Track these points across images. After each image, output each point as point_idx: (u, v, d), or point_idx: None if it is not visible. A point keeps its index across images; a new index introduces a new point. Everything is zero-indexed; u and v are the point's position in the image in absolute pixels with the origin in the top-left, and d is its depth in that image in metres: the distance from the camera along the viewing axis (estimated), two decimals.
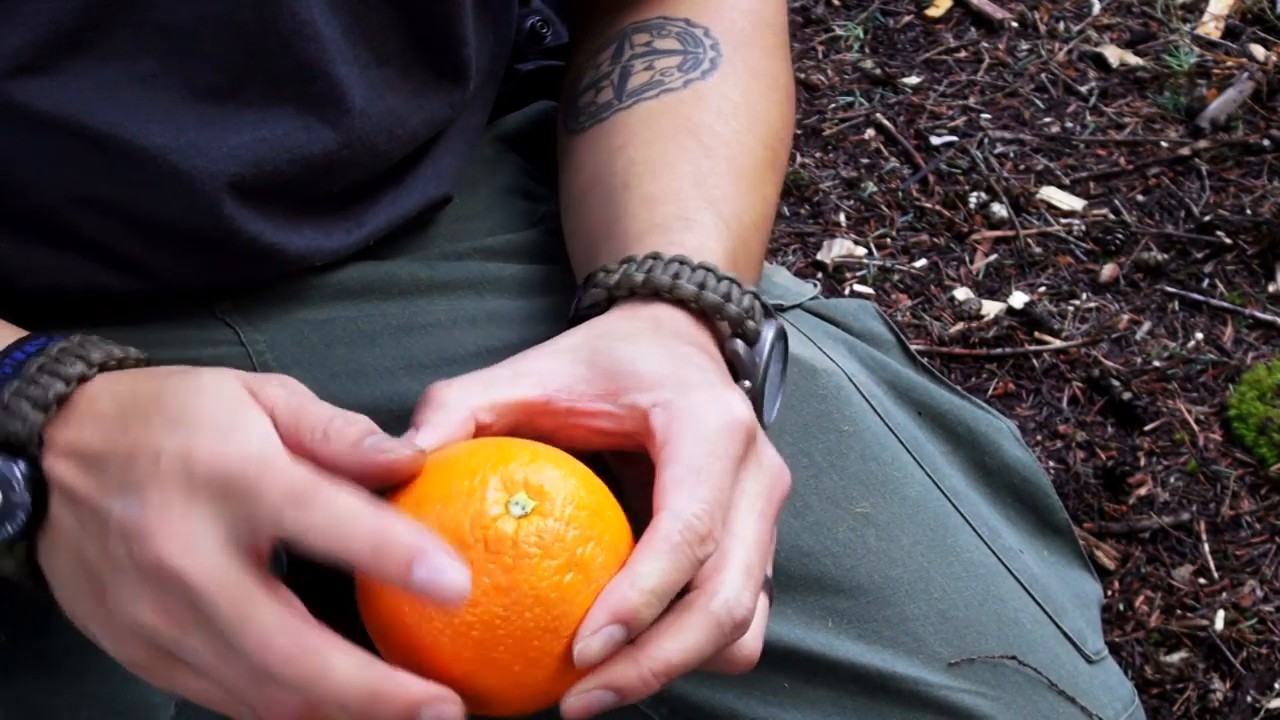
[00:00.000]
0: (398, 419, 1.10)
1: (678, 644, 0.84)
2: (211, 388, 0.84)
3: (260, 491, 0.79)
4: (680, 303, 0.98)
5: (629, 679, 0.83)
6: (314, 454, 0.83)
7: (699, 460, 0.86)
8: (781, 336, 1.01)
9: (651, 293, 0.98)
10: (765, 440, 0.92)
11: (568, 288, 1.16)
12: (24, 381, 0.86)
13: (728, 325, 0.99)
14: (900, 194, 2.41)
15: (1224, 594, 1.91)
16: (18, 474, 0.85)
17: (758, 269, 1.11)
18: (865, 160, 2.48)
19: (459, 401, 0.89)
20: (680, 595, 0.85)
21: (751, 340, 0.99)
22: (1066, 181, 2.41)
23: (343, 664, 0.78)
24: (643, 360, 0.91)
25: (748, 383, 0.98)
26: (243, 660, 0.80)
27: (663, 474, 0.86)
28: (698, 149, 1.10)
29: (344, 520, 0.78)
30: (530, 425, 0.91)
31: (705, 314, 0.99)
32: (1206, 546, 1.95)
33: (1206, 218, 2.32)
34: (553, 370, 0.92)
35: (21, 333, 0.92)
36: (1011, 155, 2.46)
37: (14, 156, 1.01)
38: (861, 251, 2.34)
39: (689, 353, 0.93)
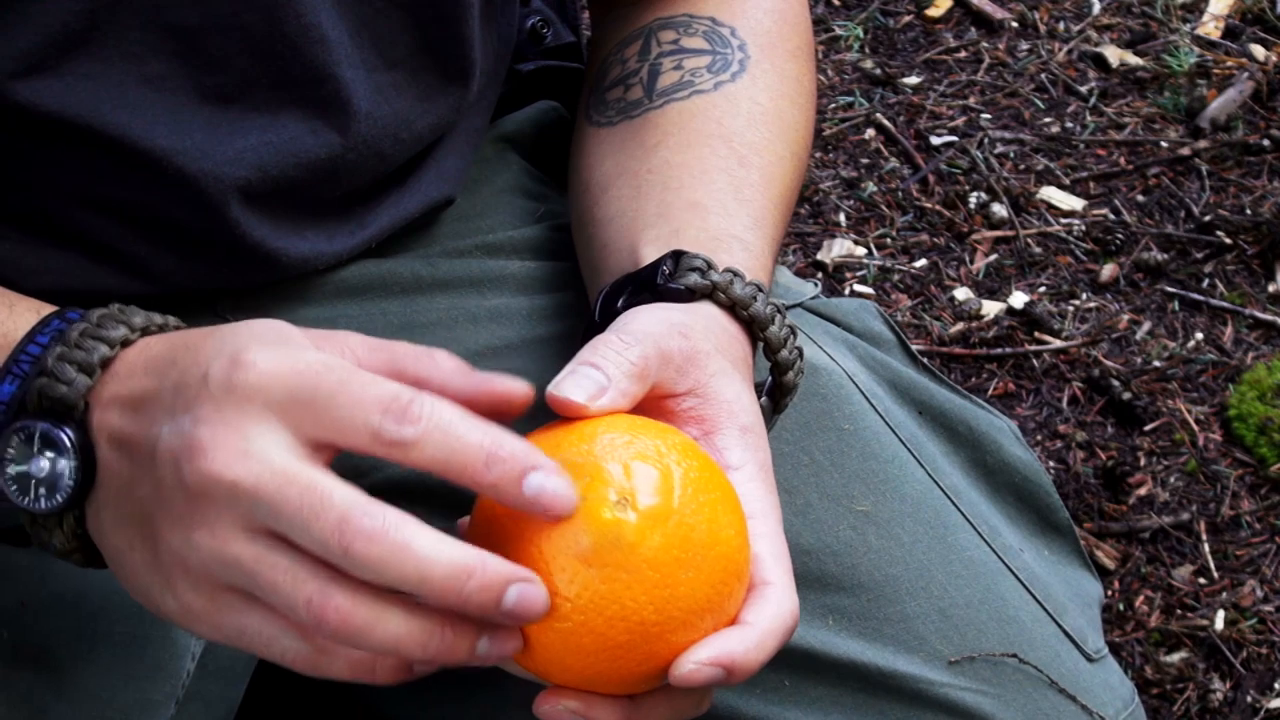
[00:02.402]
0: None
1: (768, 625, 0.86)
2: (263, 321, 0.82)
3: (341, 399, 0.77)
4: (748, 323, 1.00)
5: (739, 655, 0.84)
6: (415, 375, 0.81)
7: (774, 513, 0.90)
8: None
9: (730, 306, 1.00)
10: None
11: (570, 285, 1.16)
12: (68, 346, 0.85)
13: (773, 361, 1.02)
14: (900, 194, 2.41)
15: (1224, 594, 1.91)
16: (66, 440, 0.83)
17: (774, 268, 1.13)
18: (865, 160, 2.48)
19: (645, 353, 0.89)
20: None
21: (786, 391, 1.04)
22: (1066, 181, 2.41)
23: (428, 538, 0.76)
24: (735, 399, 0.92)
25: (765, 399, 1.03)
26: (307, 564, 0.76)
27: (761, 544, 0.88)
28: (731, 156, 1.10)
29: (453, 429, 0.76)
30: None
31: (756, 344, 1.01)
32: (1206, 546, 1.95)
33: (1206, 218, 2.32)
34: (668, 351, 0.91)
35: (52, 307, 0.92)
36: (1011, 155, 2.46)
37: (22, 157, 1.01)
38: (861, 251, 2.34)
39: (749, 390, 0.95)
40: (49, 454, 0.83)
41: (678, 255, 1.01)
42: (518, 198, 1.26)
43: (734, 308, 0.99)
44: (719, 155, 1.10)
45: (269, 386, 0.78)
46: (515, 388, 0.82)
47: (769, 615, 0.84)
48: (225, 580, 0.78)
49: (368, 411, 0.76)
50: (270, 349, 0.79)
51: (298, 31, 1.01)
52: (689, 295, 0.99)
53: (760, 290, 1.00)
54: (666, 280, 1.00)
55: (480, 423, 0.77)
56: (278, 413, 0.77)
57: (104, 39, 0.97)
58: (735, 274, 1.00)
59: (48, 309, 0.90)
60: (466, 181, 1.21)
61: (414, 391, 0.77)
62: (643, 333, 0.89)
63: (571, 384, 0.86)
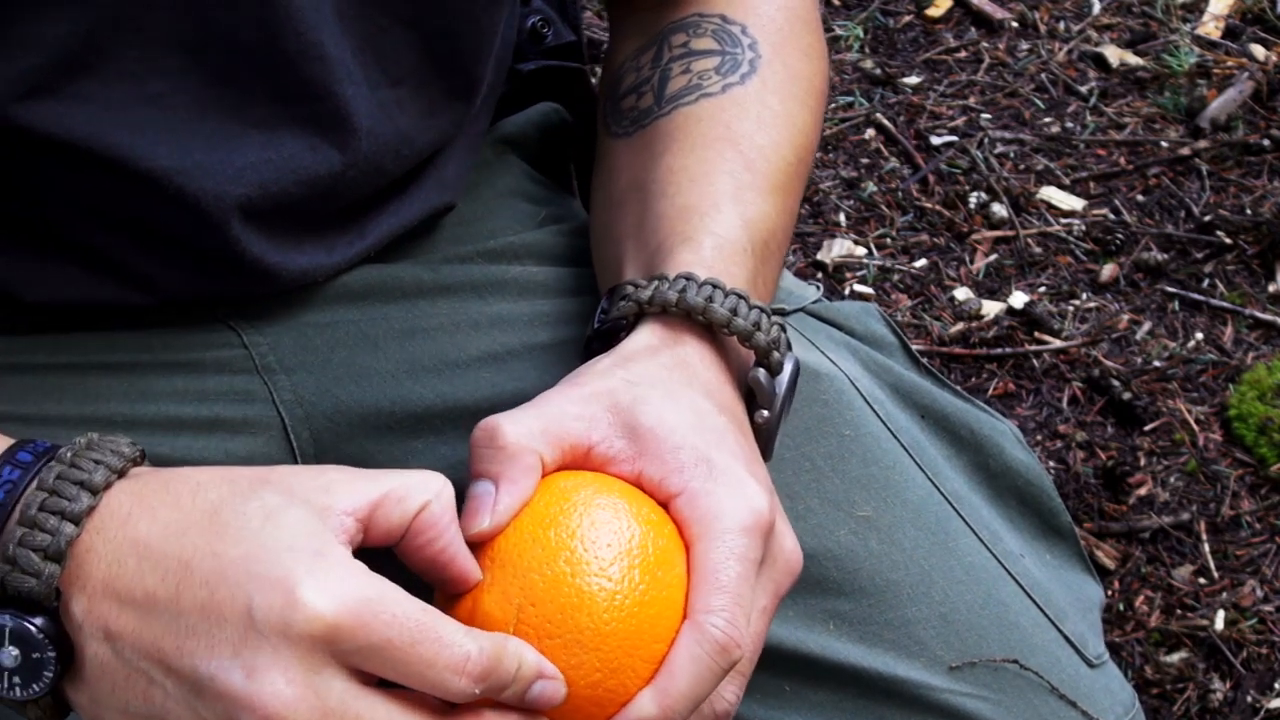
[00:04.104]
0: (399, 422, 1.10)
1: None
2: (282, 518, 0.78)
3: (414, 662, 0.77)
4: (708, 327, 0.98)
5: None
6: (403, 546, 0.82)
7: (720, 566, 0.87)
8: (797, 370, 1.02)
9: (684, 313, 0.98)
10: (782, 523, 0.93)
11: (572, 291, 1.16)
12: (27, 527, 0.78)
13: (752, 353, 0.99)
14: (900, 194, 2.41)
15: (1224, 594, 1.91)
16: (35, 633, 0.77)
17: (777, 280, 1.11)
18: (865, 160, 2.48)
19: (524, 443, 0.88)
20: None
21: (774, 370, 0.99)
22: (1066, 181, 2.41)
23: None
24: (671, 432, 0.90)
25: (765, 413, 0.99)
26: None
27: (691, 578, 0.87)
28: (737, 159, 1.09)
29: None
30: (575, 465, 0.91)
31: (725, 340, 0.99)
32: (1206, 546, 1.95)
33: (1206, 218, 2.32)
34: (589, 418, 0.91)
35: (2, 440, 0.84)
36: (1011, 155, 2.46)
37: (20, 173, 1.01)
38: (861, 251, 2.34)
39: (719, 425, 0.93)
40: (16, 649, 0.78)
41: (611, 291, 1.01)
42: (519, 201, 1.25)
43: (668, 312, 0.98)
44: (725, 158, 1.09)
45: (336, 637, 0.76)
46: (469, 567, 0.84)
47: (679, 664, 0.85)
48: None
49: (441, 674, 0.77)
50: (319, 579, 0.76)
51: (296, 49, 1.00)
52: (626, 326, 0.99)
53: (701, 285, 0.98)
54: (602, 323, 1.00)
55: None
56: (343, 659, 0.76)
57: (103, 59, 0.97)
58: (684, 278, 0.98)
59: None
60: (467, 186, 1.20)
61: (491, 650, 0.78)
62: (523, 442, 0.89)
63: (471, 524, 0.85)
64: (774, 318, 1.00)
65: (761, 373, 0.99)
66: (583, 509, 0.85)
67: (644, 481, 0.90)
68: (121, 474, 0.81)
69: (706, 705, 0.87)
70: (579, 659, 0.82)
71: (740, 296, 0.98)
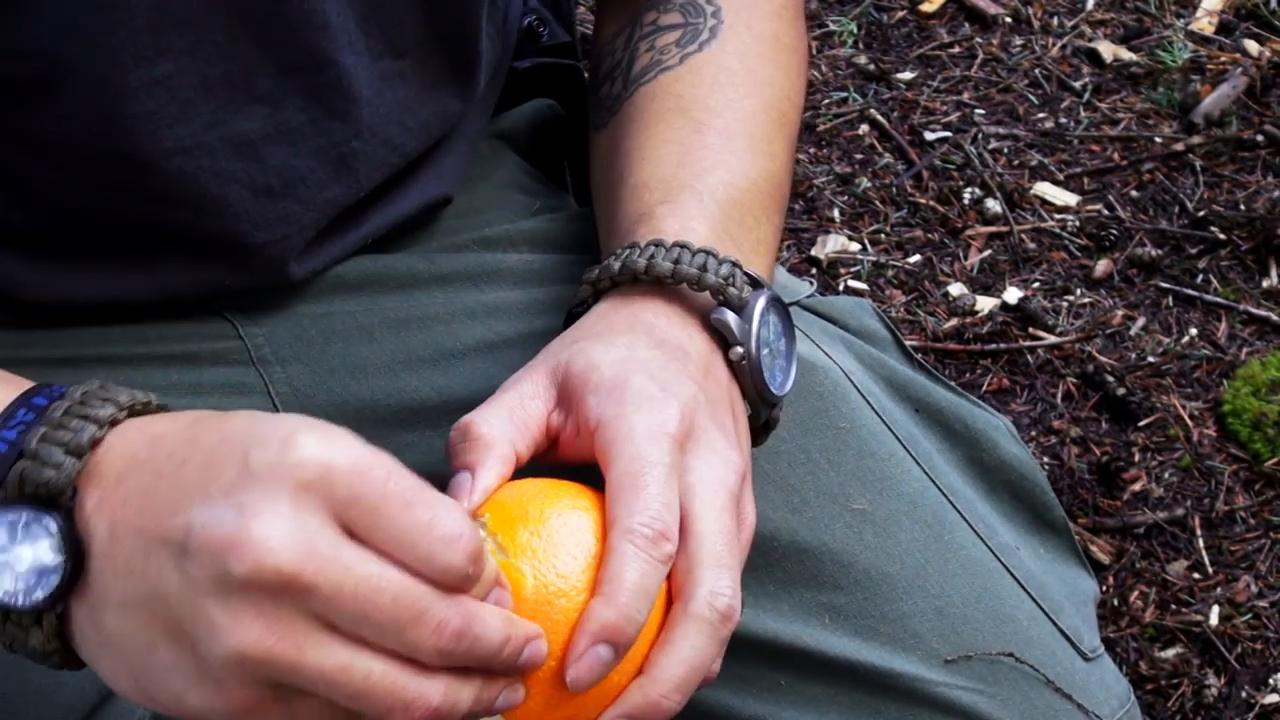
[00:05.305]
0: (394, 414, 1.10)
1: (676, 657, 0.85)
2: (301, 416, 0.77)
3: (405, 519, 0.75)
4: (658, 283, 0.98)
5: (642, 706, 0.85)
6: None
7: (631, 472, 0.86)
8: (775, 304, 1.02)
9: (630, 278, 0.99)
10: (719, 435, 0.93)
11: (568, 278, 1.16)
12: (51, 427, 0.77)
13: (709, 296, 0.99)
14: (894, 190, 2.41)
15: (1218, 589, 1.91)
16: (53, 529, 0.76)
17: (769, 223, 1.10)
18: (859, 156, 2.48)
19: (495, 432, 0.89)
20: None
21: (738, 308, 0.99)
22: (1060, 177, 2.41)
23: (492, 617, 0.78)
24: (595, 370, 0.91)
25: (740, 349, 0.99)
26: (395, 664, 0.75)
27: (608, 492, 0.87)
28: (685, 126, 1.10)
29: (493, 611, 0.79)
30: (547, 443, 0.92)
31: (684, 291, 0.99)
32: (1201, 542, 1.95)
33: (1200, 213, 2.33)
34: (541, 390, 0.92)
35: (26, 383, 0.84)
36: (1005, 151, 2.46)
37: (19, 170, 1.01)
38: (856, 247, 2.34)
39: (646, 358, 0.93)
40: (30, 545, 0.76)
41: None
42: (514, 193, 1.26)
43: (618, 284, 0.99)
44: (673, 128, 1.10)
45: (330, 480, 0.74)
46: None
47: (610, 552, 0.84)
48: (284, 676, 0.74)
49: (433, 544, 0.75)
50: (319, 433, 0.75)
51: (300, 16, 1.01)
52: (583, 306, 1.00)
53: (644, 247, 0.99)
54: (570, 315, 1.01)
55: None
56: (335, 508, 0.74)
57: (117, 41, 0.96)
58: (628, 247, 0.99)
59: (22, 384, 0.83)
60: (463, 179, 1.21)
61: (474, 529, 0.77)
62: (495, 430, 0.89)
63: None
64: (725, 257, 0.99)
65: (725, 312, 0.99)
66: (539, 522, 0.86)
67: (580, 428, 0.90)
68: (145, 405, 0.81)
69: (708, 608, 0.86)
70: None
71: (683, 246, 0.99)
